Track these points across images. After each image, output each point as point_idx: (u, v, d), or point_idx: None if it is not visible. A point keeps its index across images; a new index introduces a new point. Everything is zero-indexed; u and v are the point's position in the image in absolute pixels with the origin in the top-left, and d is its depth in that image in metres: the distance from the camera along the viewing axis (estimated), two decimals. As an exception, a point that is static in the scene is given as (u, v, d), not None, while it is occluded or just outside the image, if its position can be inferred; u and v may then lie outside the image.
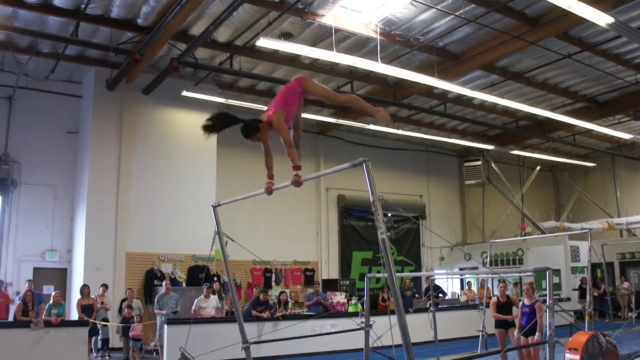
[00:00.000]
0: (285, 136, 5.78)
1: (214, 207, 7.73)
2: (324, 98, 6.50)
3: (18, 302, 12.65)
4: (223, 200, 7.73)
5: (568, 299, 19.18)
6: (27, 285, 12.90)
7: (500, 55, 14.33)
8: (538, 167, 24.94)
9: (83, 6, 11.54)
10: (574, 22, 12.24)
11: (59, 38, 12.78)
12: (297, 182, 5.85)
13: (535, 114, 18.06)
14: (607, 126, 19.53)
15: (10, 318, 12.81)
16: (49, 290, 14.09)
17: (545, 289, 8.11)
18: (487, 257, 16.81)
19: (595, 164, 25.30)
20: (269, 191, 6.11)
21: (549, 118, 17.97)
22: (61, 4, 11.81)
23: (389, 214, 19.57)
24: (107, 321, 13.31)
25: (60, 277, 15.23)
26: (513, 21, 12.80)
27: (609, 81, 16.76)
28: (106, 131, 14.96)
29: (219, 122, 5.93)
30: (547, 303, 7.13)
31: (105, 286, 13.67)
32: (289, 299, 16.21)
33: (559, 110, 18.12)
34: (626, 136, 20.21)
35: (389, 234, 4.83)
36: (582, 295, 17.69)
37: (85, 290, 13.21)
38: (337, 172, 6.00)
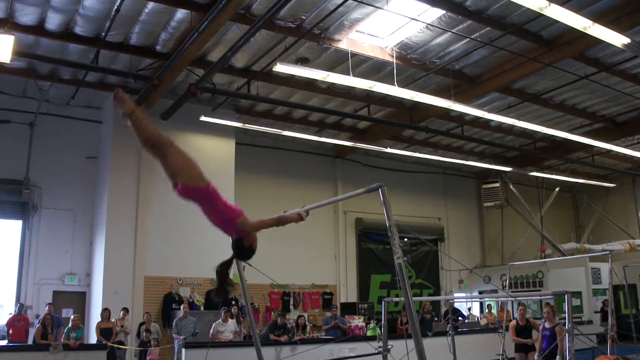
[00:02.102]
0: (262, 226, 5.34)
1: (231, 232, 7.74)
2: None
3: (37, 325, 12.76)
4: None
5: (590, 322, 18.91)
6: (46, 308, 13.01)
7: (517, 77, 14.32)
8: (557, 189, 24.73)
9: (103, 34, 11.75)
10: (590, 43, 12.22)
11: (79, 65, 13.00)
12: (300, 217, 5.67)
13: (554, 135, 17.96)
14: (626, 146, 19.38)
15: (30, 341, 12.90)
16: (68, 313, 14.15)
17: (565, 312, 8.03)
18: (506, 280, 16.65)
19: (615, 185, 25.04)
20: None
21: (568, 139, 17.85)
22: (82, 32, 12.04)
23: (406, 238, 19.52)
24: (123, 344, 13.32)
25: (79, 300, 15.31)
26: (529, 43, 12.81)
27: (627, 101, 16.67)
28: (125, 156, 15.09)
29: (221, 279, 5.37)
30: (567, 327, 7.07)
31: (125, 310, 13.72)
32: (307, 322, 16.17)
33: (577, 131, 18.02)
34: (646, 156, 20.04)
35: (405, 258, 4.83)
36: (604, 318, 17.44)
37: (105, 313, 13.27)
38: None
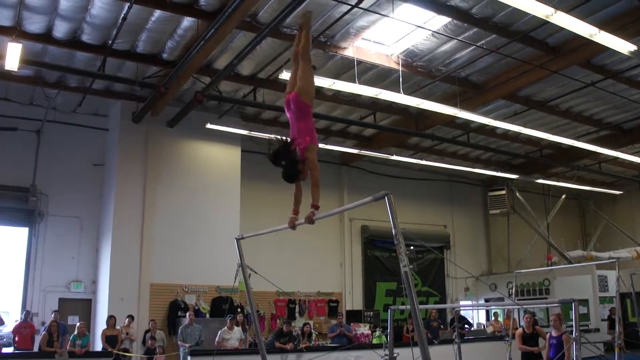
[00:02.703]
0: (317, 174, 5.70)
1: (238, 239, 7.76)
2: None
3: (43, 332, 12.79)
4: (246, 233, 7.76)
5: (597, 330, 18.81)
6: (52, 315, 13.03)
7: (523, 84, 14.31)
8: (563, 196, 24.65)
9: (110, 42, 11.80)
10: (596, 51, 12.20)
11: (86, 73, 13.06)
12: (309, 219, 5.77)
13: (560, 143, 17.91)
14: (633, 153, 19.35)
15: (36, 348, 12.90)
16: (74, 320, 14.17)
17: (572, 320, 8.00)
18: (512, 288, 16.59)
19: (621, 192, 24.97)
20: (293, 226, 6.05)
21: (574, 146, 17.81)
22: (89, 40, 12.11)
23: (412, 246, 19.46)
24: (128, 351, 13.32)
25: (85, 307, 15.32)
26: (535, 50, 12.80)
27: (634, 108, 16.62)
28: (131, 163, 15.13)
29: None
30: (574, 335, 7.03)
31: (131, 317, 13.71)
32: (312, 330, 16.13)
33: (583, 138, 17.97)
34: (653, 164, 19.97)
35: (411, 266, 4.81)
36: (612, 326, 17.35)
37: (111, 321, 13.27)
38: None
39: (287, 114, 5.98)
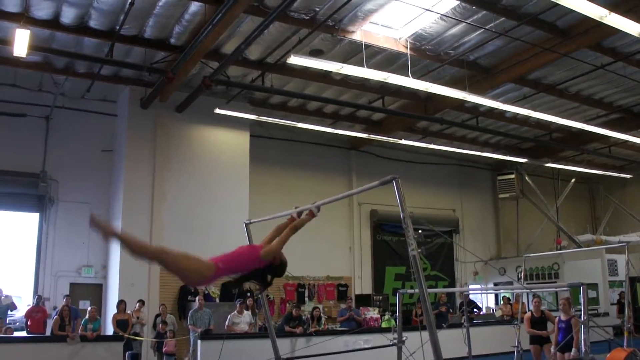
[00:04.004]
0: (284, 241, 5.46)
1: (247, 224, 7.79)
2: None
3: (55, 317, 12.92)
4: (255, 217, 7.80)
5: (606, 314, 18.80)
6: (64, 300, 13.15)
7: (532, 67, 14.21)
8: (573, 180, 24.55)
9: (118, 27, 11.80)
10: (606, 33, 12.10)
11: (94, 59, 13.08)
12: (312, 214, 6.05)
13: (569, 126, 17.81)
14: (643, 137, 19.21)
15: (48, 332, 13.06)
16: (85, 305, 14.29)
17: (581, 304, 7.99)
18: (521, 272, 16.58)
19: (631, 176, 24.81)
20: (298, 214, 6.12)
21: (583, 130, 17.71)
22: (96, 26, 12.11)
23: (420, 230, 19.47)
24: (139, 335, 13.43)
25: (96, 292, 15.45)
26: (544, 33, 12.70)
27: (644, 91, 16.50)
28: (140, 149, 15.18)
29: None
30: (582, 319, 7.03)
31: (141, 302, 13.81)
32: (322, 314, 16.20)
33: (593, 121, 17.86)
34: (663, 147, 19.84)
35: (420, 250, 4.83)
36: (621, 310, 17.34)
37: (121, 305, 13.38)
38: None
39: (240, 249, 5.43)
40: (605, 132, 17.74)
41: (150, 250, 4.96)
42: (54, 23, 11.86)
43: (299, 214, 5.97)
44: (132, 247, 4.55)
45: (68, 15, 11.68)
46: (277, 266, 5.28)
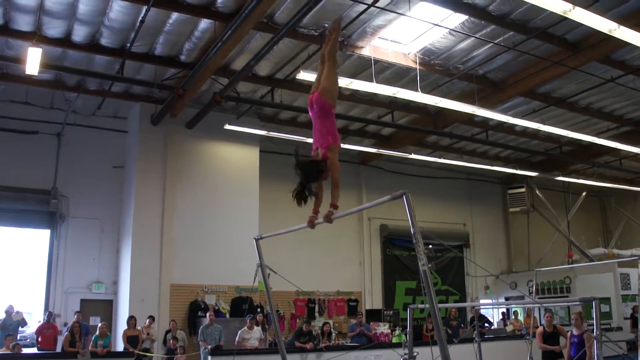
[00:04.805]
0: (337, 175, 5.65)
1: (257, 239, 7.80)
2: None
3: (66, 333, 12.93)
4: (265, 233, 7.80)
5: (619, 329, 18.62)
6: (74, 316, 13.17)
7: (542, 81, 14.20)
8: (584, 193, 24.41)
9: (128, 45, 11.91)
10: (615, 46, 12.08)
11: (105, 76, 13.19)
12: (328, 218, 5.76)
13: (580, 139, 17.77)
14: (654, 150, 19.10)
15: (58, 349, 13.05)
16: (96, 321, 14.30)
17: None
18: (533, 286, 16.47)
19: (643, 189, 24.69)
20: (312, 225, 6.04)
21: (594, 143, 17.65)
22: (107, 44, 12.23)
23: (430, 245, 19.42)
24: (148, 351, 13.41)
25: (107, 308, 15.46)
26: (553, 47, 12.70)
27: (655, 104, 16.44)
28: (151, 165, 15.24)
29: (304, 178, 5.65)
30: (595, 334, 6.98)
31: (152, 318, 13.81)
32: (332, 329, 16.13)
33: (603, 134, 17.81)
34: (675, 160, 19.72)
35: (430, 264, 4.81)
36: (634, 325, 17.17)
37: (131, 321, 13.38)
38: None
39: (310, 114, 6.03)
40: (615, 145, 17.67)
41: (332, 52, 6.40)
42: (65, 41, 12.00)
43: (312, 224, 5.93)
44: (335, 40, 6.36)
45: (79, 34, 11.80)
46: (317, 168, 5.61)
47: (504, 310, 20.15)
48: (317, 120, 5.90)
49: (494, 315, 21.78)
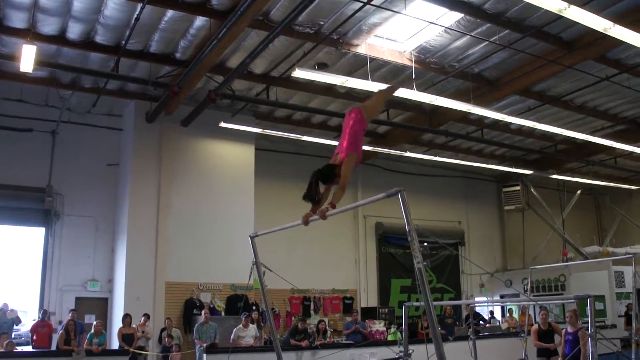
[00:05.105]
0: (345, 181, 5.74)
1: (252, 237, 7.79)
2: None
3: (61, 331, 12.89)
4: (261, 231, 7.80)
5: (614, 326, 18.68)
6: (69, 314, 13.15)
7: (537, 79, 14.22)
8: (579, 191, 24.48)
9: (123, 42, 11.86)
10: (611, 45, 12.09)
11: (100, 73, 13.16)
12: (323, 214, 5.74)
13: (575, 138, 17.80)
14: (649, 148, 19.16)
15: (53, 347, 13.03)
16: (91, 319, 14.27)
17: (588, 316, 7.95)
18: (527, 284, 16.52)
19: (638, 187, 24.71)
20: (306, 222, 6.05)
21: (589, 141, 17.70)
22: (102, 41, 12.19)
23: (425, 243, 19.45)
24: (143, 349, 13.40)
25: (102, 306, 15.44)
26: (549, 45, 12.71)
27: (650, 103, 16.48)
28: (146, 163, 15.21)
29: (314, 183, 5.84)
30: (589, 332, 7.00)
31: (147, 316, 13.80)
32: (327, 327, 16.13)
33: (598, 133, 17.86)
34: (669, 158, 19.77)
35: (425, 262, 4.81)
36: (629, 322, 17.22)
37: (127, 319, 13.36)
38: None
39: (344, 121, 6.20)
40: (610, 143, 17.71)
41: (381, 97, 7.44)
42: (60, 38, 11.94)
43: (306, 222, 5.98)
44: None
45: (74, 31, 11.76)
46: (333, 172, 5.80)
47: (492, 309, 20.25)
48: (347, 129, 6.03)
49: (488, 313, 21.80)
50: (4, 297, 14.22)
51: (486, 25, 11.79)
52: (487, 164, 20.73)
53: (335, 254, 19.04)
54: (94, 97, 14.81)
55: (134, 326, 13.42)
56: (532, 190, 23.18)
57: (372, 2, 10.57)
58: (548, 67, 13.27)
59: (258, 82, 14.32)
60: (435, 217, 20.61)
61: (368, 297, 19.72)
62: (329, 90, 14.80)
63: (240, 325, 13.36)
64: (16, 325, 14.22)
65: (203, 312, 13.99)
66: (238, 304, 14.79)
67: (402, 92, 13.21)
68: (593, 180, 23.13)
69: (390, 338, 15.68)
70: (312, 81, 13.97)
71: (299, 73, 12.25)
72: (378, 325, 16.80)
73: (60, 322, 14.16)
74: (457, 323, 17.99)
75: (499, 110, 15.58)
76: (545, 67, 13.30)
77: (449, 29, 11.97)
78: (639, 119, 17.94)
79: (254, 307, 14.92)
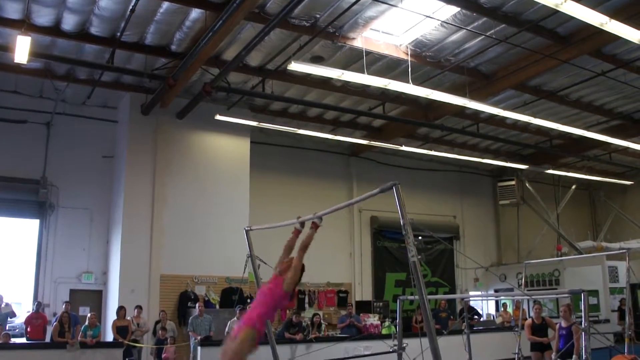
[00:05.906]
0: (299, 266, 5.83)
1: (247, 230, 7.80)
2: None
3: (55, 323, 12.89)
4: (256, 224, 7.81)
5: (607, 321, 18.76)
6: (64, 306, 13.13)
7: (532, 74, 14.20)
8: (574, 186, 24.51)
9: (119, 34, 11.82)
10: (607, 40, 12.08)
11: (95, 65, 13.11)
12: (316, 227, 6.23)
13: (570, 133, 17.81)
14: (643, 144, 19.19)
15: (47, 339, 13.03)
16: (85, 311, 14.26)
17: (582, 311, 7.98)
18: (522, 278, 16.56)
19: (632, 182, 24.79)
20: (301, 223, 6.28)
21: (584, 136, 17.70)
22: (97, 32, 12.13)
23: (420, 237, 19.47)
24: (138, 342, 13.39)
25: (96, 298, 15.43)
26: (545, 40, 12.71)
27: (645, 98, 16.50)
28: (141, 155, 15.18)
29: None
30: (583, 326, 7.02)
31: (139, 307, 13.79)
32: (322, 320, 16.16)
33: (593, 128, 17.87)
34: (664, 154, 19.82)
35: (420, 256, 4.83)
36: (622, 317, 17.29)
37: (121, 312, 13.36)
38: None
39: (261, 288, 5.97)
40: (605, 138, 17.74)
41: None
42: (55, 30, 11.88)
43: (302, 224, 6.03)
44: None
45: (69, 22, 11.70)
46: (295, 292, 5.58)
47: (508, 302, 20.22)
48: (263, 300, 5.71)
49: (483, 307, 21.88)
50: (-2, 289, 14.22)
51: (482, 20, 11.78)
52: (483, 158, 20.75)
53: (330, 247, 18.99)
54: (89, 88, 14.77)
55: (128, 318, 13.41)
56: (527, 185, 23.23)
57: (369, -4, 10.54)
58: (544, 61, 13.26)
59: (254, 75, 14.28)
60: (430, 211, 20.63)
61: (363, 291, 19.74)
62: (325, 83, 14.77)
63: (235, 318, 13.32)
64: (10, 318, 14.22)
65: (198, 304, 14.01)
66: (233, 297, 14.79)
67: (398, 86, 13.22)
68: (588, 175, 23.17)
69: (384, 332, 15.72)
70: (308, 74, 13.96)
71: (294, 66, 12.22)
72: (372, 319, 16.83)
73: (54, 314, 14.13)
74: (452, 317, 18.03)
75: (495, 104, 15.57)
76: (541, 61, 13.29)
77: (445, 22, 11.95)
78: (635, 114, 17.98)
79: (248, 300, 14.91)
